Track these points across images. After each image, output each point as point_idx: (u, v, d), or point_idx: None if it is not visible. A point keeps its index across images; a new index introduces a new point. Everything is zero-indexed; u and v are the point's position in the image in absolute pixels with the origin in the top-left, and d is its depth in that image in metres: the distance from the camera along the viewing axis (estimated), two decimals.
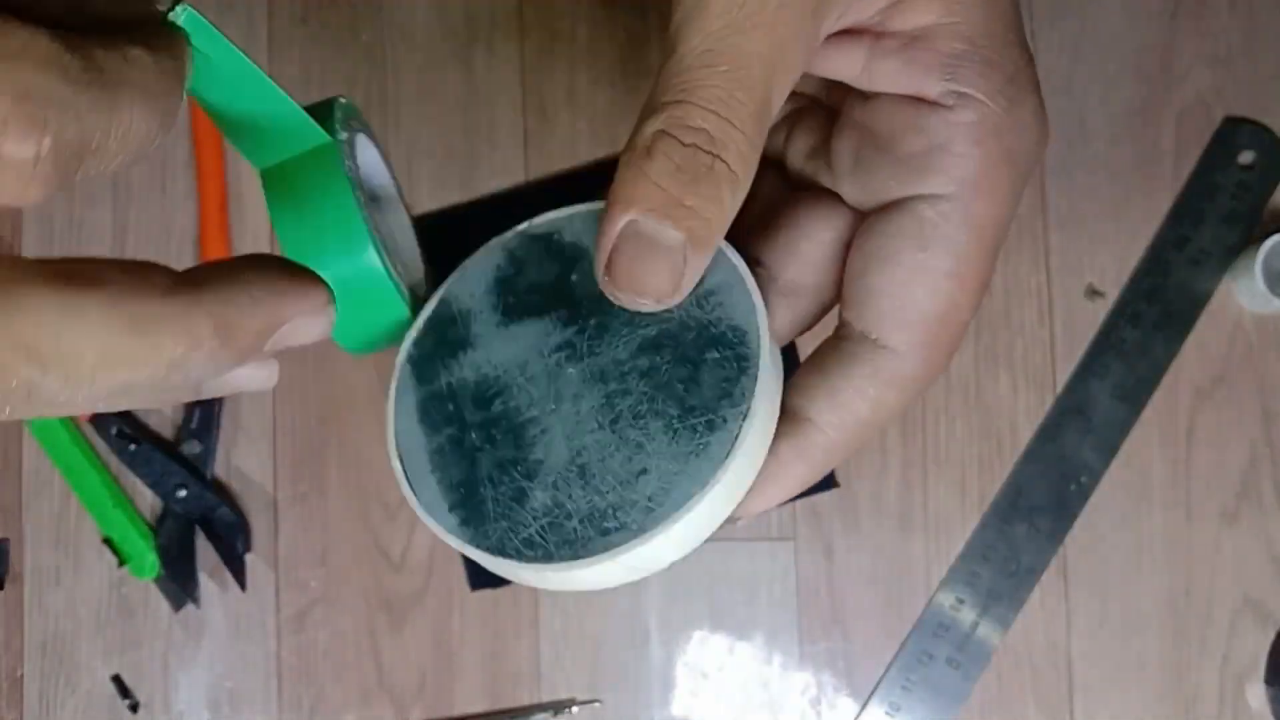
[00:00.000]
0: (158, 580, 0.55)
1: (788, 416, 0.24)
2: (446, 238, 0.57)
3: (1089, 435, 0.54)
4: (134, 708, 0.55)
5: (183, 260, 0.57)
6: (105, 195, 0.57)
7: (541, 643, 0.55)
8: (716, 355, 0.23)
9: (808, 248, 0.26)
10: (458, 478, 0.24)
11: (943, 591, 0.54)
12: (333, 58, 0.57)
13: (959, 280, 0.23)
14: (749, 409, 0.22)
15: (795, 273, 0.26)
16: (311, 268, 0.18)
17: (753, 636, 0.55)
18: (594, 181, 0.56)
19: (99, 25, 0.15)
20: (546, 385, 0.24)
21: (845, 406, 0.24)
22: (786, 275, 0.26)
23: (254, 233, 0.57)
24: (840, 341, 0.24)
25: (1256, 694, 0.53)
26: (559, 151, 0.57)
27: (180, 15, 0.17)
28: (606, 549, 0.22)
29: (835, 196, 0.26)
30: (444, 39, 0.57)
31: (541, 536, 0.23)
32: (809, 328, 0.26)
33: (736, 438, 0.22)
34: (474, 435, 0.25)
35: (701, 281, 0.24)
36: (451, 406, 0.25)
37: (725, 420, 0.23)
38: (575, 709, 0.54)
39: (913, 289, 0.23)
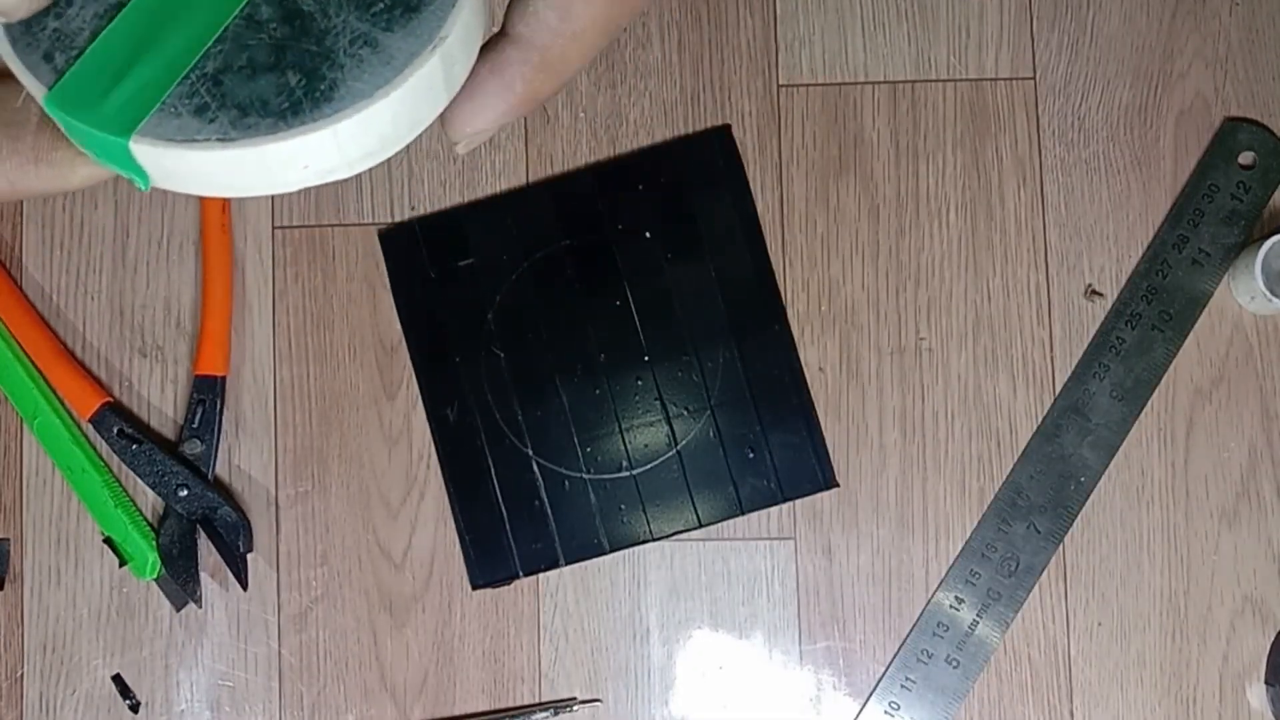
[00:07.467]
0: (159, 580, 0.55)
1: (490, 37, 0.24)
2: (447, 238, 0.57)
3: (1088, 435, 0.54)
4: (134, 707, 0.55)
5: (185, 262, 0.57)
6: (107, 198, 0.57)
7: (542, 642, 0.55)
8: None
9: None
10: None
11: (942, 591, 0.54)
12: None
13: None
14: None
15: None
16: None
17: (753, 635, 0.55)
18: (594, 182, 0.57)
19: None
20: None
21: (534, 15, 0.24)
22: None
23: (256, 235, 0.57)
24: None
25: (1257, 694, 0.53)
26: (559, 151, 0.57)
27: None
28: (313, 117, 0.19)
29: None
30: None
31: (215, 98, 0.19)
32: None
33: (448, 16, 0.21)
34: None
35: None
36: None
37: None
38: (576, 708, 0.54)
39: None
